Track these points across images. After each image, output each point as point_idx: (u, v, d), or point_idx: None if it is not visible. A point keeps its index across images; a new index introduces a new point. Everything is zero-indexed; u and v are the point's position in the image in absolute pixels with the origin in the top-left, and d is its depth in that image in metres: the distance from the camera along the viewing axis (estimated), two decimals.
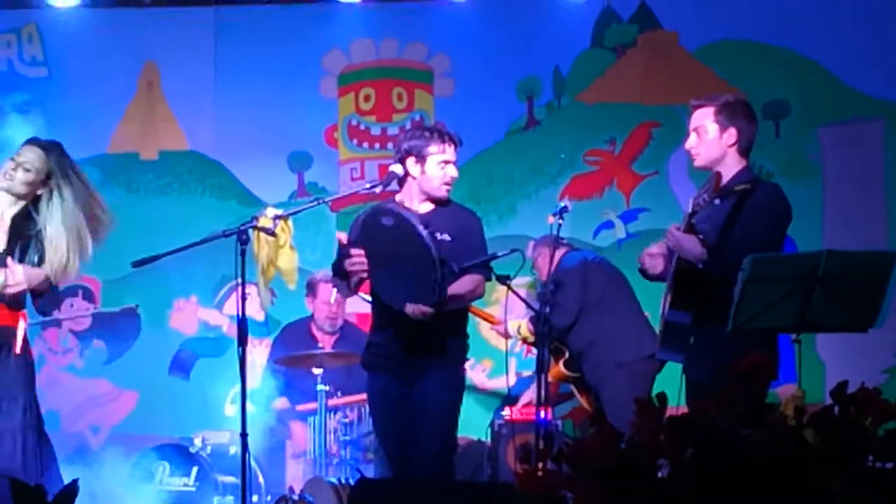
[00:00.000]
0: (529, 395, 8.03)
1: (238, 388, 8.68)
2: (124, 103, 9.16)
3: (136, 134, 9.14)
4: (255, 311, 8.84)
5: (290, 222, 5.75)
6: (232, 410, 8.85)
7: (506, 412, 8.06)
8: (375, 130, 9.05)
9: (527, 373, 8.53)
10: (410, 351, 5.77)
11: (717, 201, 5.25)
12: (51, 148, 5.92)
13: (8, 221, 5.81)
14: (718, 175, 5.26)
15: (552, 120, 8.95)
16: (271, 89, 8.95)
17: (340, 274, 5.82)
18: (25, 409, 5.73)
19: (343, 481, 6.59)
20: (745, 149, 5.55)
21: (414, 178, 5.93)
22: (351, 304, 8.22)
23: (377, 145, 9.05)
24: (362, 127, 9.06)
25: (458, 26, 8.97)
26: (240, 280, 5.66)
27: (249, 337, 8.70)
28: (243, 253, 5.67)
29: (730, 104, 5.56)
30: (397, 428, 5.84)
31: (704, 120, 5.54)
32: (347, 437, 7.69)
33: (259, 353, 8.84)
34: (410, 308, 5.54)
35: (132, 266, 6.05)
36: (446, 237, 5.81)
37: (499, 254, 5.85)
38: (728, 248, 5.24)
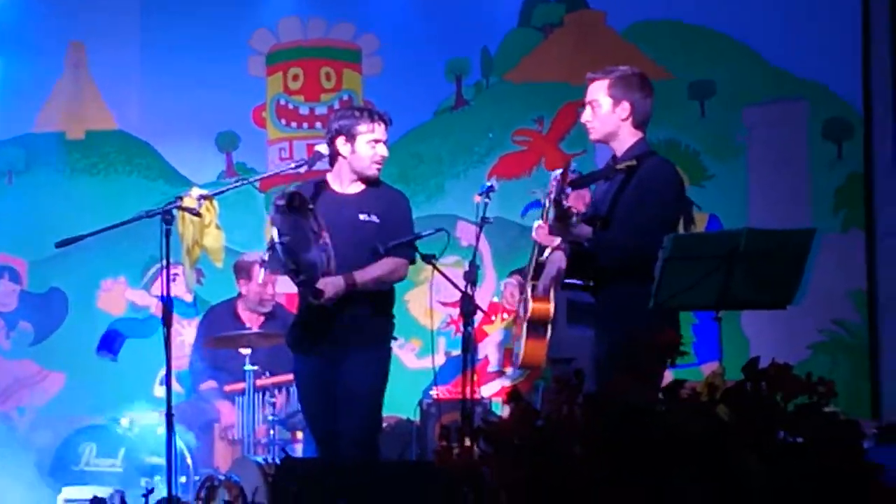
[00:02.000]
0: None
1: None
2: (51, 84, 9.08)
3: (63, 114, 9.07)
4: (183, 292, 8.83)
5: (215, 202, 5.75)
6: (160, 391, 8.81)
7: (434, 391, 8.09)
8: (304, 110, 9.04)
9: (455, 352, 8.57)
10: (335, 331, 5.79)
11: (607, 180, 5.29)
12: None
13: None
14: (566, 169, 5.27)
15: (480, 99, 8.97)
16: (198, 69, 8.90)
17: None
18: None
19: (269, 461, 6.60)
20: (640, 122, 5.50)
21: (344, 157, 5.96)
22: (281, 285, 8.21)
23: (305, 125, 9.03)
24: (290, 106, 9.04)
25: (386, 5, 8.97)
26: (165, 260, 5.64)
27: (178, 317, 8.81)
28: (167, 233, 5.68)
29: (624, 77, 5.51)
30: (322, 408, 5.87)
31: (598, 93, 5.51)
32: (275, 418, 7.68)
33: (188, 333, 8.82)
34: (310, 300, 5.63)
35: (56, 246, 6.01)
36: (374, 218, 5.84)
37: (423, 234, 5.88)
38: (614, 226, 5.25)
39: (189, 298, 8.86)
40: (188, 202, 5.66)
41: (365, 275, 5.78)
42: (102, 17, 9.02)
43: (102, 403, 8.64)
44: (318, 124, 8.94)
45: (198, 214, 5.68)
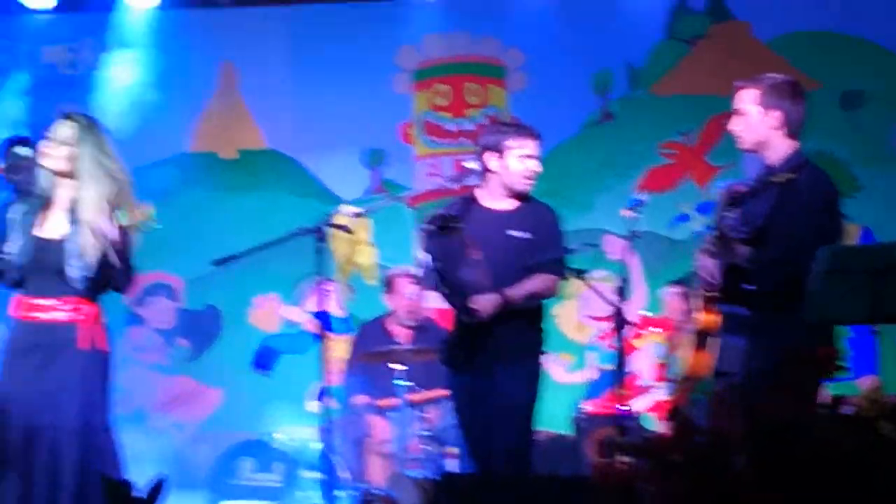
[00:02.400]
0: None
1: (319, 383, 8.86)
2: (203, 104, 9.28)
3: (216, 133, 9.27)
4: (335, 308, 8.97)
5: (367, 219, 5.81)
6: (314, 406, 8.94)
7: (587, 406, 8.09)
8: (450, 126, 9.11)
9: (606, 366, 8.56)
10: (487, 347, 5.82)
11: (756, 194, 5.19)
12: (80, 117, 5.91)
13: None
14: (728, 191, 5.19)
15: (626, 113, 8.97)
16: (346, 87, 9.03)
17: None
18: (84, 407, 5.69)
19: (425, 476, 6.65)
20: (793, 131, 5.35)
21: (494, 172, 5.99)
22: (431, 301, 8.27)
23: (452, 141, 9.11)
24: (437, 123, 9.12)
25: (530, 20, 9.00)
26: (318, 277, 5.73)
27: (331, 333, 8.93)
28: (322, 250, 5.75)
29: (775, 85, 5.36)
30: (477, 423, 5.90)
31: (748, 102, 5.36)
32: (428, 433, 7.74)
33: (341, 348, 8.93)
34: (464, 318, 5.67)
35: (213, 265, 6.08)
36: (525, 234, 5.86)
37: (573, 248, 5.89)
38: (774, 242, 5.16)
39: (342, 314, 8.97)
40: (340, 219, 5.75)
41: (518, 291, 5.80)
42: (253, 38, 9.21)
43: (258, 418, 8.79)
44: (465, 140, 9.02)
45: (349, 231, 5.75)
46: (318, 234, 5.73)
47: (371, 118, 9.03)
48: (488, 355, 5.83)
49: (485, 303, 5.72)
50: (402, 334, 8.27)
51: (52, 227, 5.74)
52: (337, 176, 9.14)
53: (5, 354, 5.74)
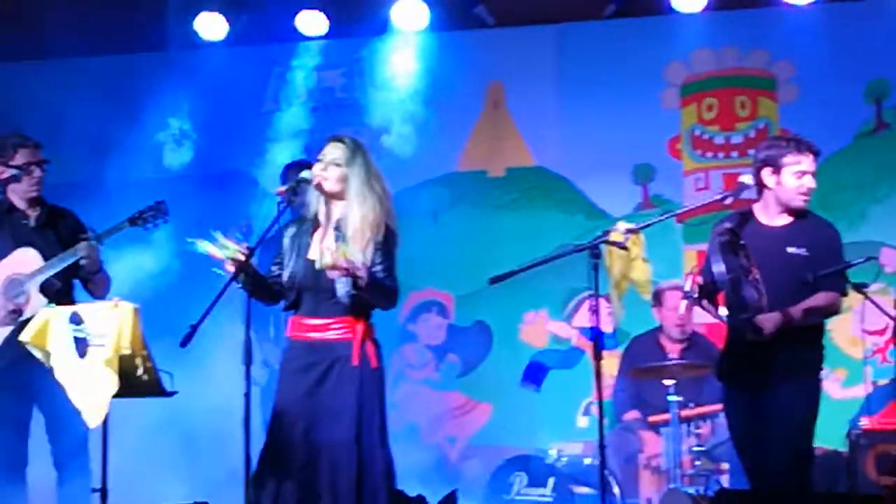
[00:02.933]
0: None
1: (589, 399, 8.88)
2: (471, 123, 9.40)
3: (484, 152, 9.38)
4: (603, 324, 8.95)
5: (641, 236, 5.81)
6: (584, 422, 8.95)
7: (864, 422, 7.89)
8: (719, 140, 9.02)
9: (883, 381, 8.35)
10: (767, 363, 5.76)
11: None
12: (348, 140, 6.06)
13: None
14: None
15: None
16: (614, 103, 9.03)
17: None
18: (360, 423, 5.81)
19: (700, 492, 6.60)
20: None
21: (770, 188, 5.94)
22: (699, 316, 8.20)
23: (721, 154, 9.02)
24: (706, 137, 9.04)
25: (800, 31, 8.84)
26: (594, 294, 5.75)
27: (601, 349, 8.93)
28: (596, 267, 5.78)
29: None
30: (754, 440, 5.84)
31: None
32: (700, 448, 7.68)
33: (608, 364, 8.92)
34: (750, 336, 5.60)
35: (489, 283, 6.16)
36: (802, 251, 5.79)
37: (853, 263, 5.78)
38: None
39: (610, 330, 8.96)
40: (615, 236, 5.75)
41: (800, 309, 5.74)
42: (519, 57, 9.30)
43: (527, 434, 8.86)
44: (734, 153, 8.94)
45: (625, 248, 5.75)
46: (594, 252, 5.74)
47: (639, 134, 9.00)
48: (768, 372, 5.77)
49: (768, 321, 5.67)
50: (672, 349, 8.24)
51: (321, 248, 5.92)
52: (605, 192, 9.14)
53: (281, 373, 5.95)
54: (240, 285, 5.73)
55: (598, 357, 5.76)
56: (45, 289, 6.61)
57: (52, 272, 6.62)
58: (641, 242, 5.81)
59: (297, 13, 9.33)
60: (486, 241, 9.26)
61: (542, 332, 9.19)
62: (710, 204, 6.15)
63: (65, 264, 6.61)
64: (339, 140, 6.01)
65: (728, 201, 6.07)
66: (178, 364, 5.86)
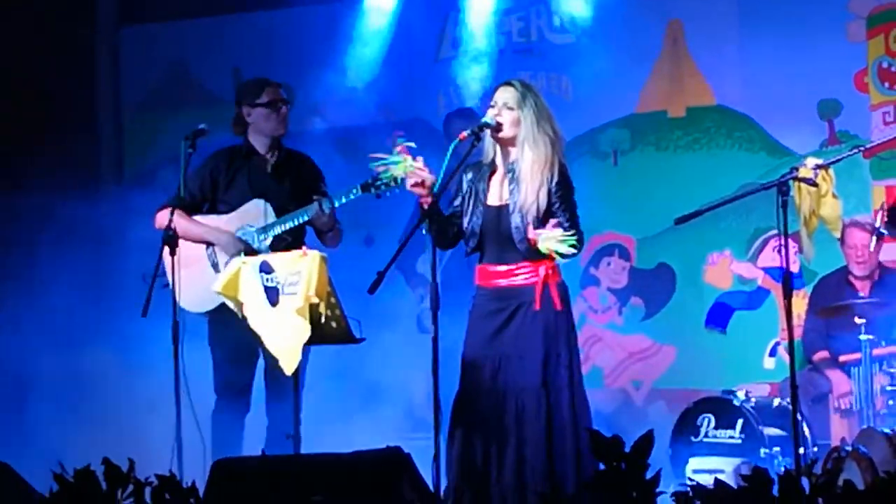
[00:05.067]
0: None
1: (775, 340, 8.76)
2: (650, 63, 9.27)
3: (664, 92, 9.23)
4: (791, 263, 8.79)
5: (831, 171, 5.69)
6: (770, 363, 8.85)
7: None
8: None
9: None
10: None
11: None
12: (519, 83, 6.03)
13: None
14: None
15: None
16: (796, 38, 8.77)
17: None
18: (546, 366, 5.82)
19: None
20: None
21: None
22: (886, 252, 8.03)
23: None
24: (893, 69, 8.77)
25: None
26: (783, 233, 5.65)
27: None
28: (785, 204, 5.67)
29: None
30: None
31: None
32: (893, 388, 7.52)
33: (796, 304, 8.77)
34: None
35: (675, 223, 6.11)
36: None
37: None
38: None
39: (795, 269, 8.81)
40: (804, 172, 5.64)
41: None
42: None
43: (713, 376, 8.77)
44: None
45: (815, 184, 5.64)
46: (783, 189, 5.63)
47: (824, 68, 8.74)
48: None
49: None
50: (861, 286, 8.07)
51: (499, 193, 5.93)
52: (789, 129, 8.91)
53: (470, 319, 5.99)
54: (425, 231, 5.76)
55: (787, 297, 5.63)
56: (275, 243, 6.70)
57: (283, 228, 6.72)
58: (831, 178, 5.69)
59: None
60: (666, 182, 9.14)
61: (727, 273, 9.05)
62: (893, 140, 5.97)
63: (295, 222, 6.70)
64: (510, 84, 6.03)
65: None
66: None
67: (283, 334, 5.73)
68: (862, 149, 6.05)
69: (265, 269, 5.87)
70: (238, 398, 6.83)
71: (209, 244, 6.87)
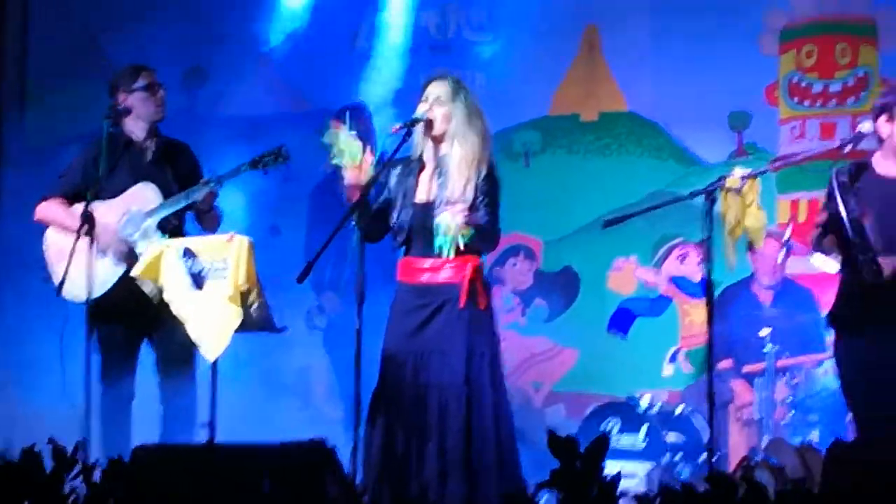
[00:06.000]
0: None
1: (675, 347, 8.86)
2: (565, 67, 9.32)
3: (578, 96, 9.28)
4: (692, 272, 8.92)
5: (757, 182, 5.75)
6: (670, 370, 8.94)
7: None
8: (817, 87, 8.87)
9: None
10: (881, 311, 5.70)
11: None
12: (450, 78, 6.04)
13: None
14: None
15: None
16: (710, 49, 8.88)
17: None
18: (469, 364, 5.81)
19: (804, 443, 6.57)
20: None
21: (884, 138, 5.87)
22: (795, 265, 8.14)
23: (819, 103, 8.87)
24: (804, 84, 8.91)
25: None
26: (706, 240, 5.70)
27: (687, 297, 8.90)
28: (710, 213, 5.73)
29: None
30: (868, 387, 5.78)
31: None
32: (792, 399, 7.64)
33: (698, 312, 8.88)
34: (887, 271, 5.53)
35: (603, 226, 6.11)
36: None
37: None
38: None
39: (699, 278, 8.91)
40: (731, 182, 5.69)
41: None
42: (616, 0, 9.18)
43: (612, 381, 8.84)
44: (832, 102, 8.81)
45: (741, 194, 5.69)
46: (710, 197, 5.69)
47: (736, 80, 8.85)
48: (884, 318, 5.71)
49: (888, 264, 5.60)
50: (765, 297, 8.18)
51: (428, 189, 5.92)
52: (699, 139, 9.02)
53: (391, 314, 5.96)
54: (353, 223, 5.72)
55: (709, 304, 5.68)
56: (162, 226, 6.62)
57: (170, 210, 6.63)
58: (757, 189, 5.75)
59: None
60: (576, 186, 9.20)
61: (631, 279, 9.12)
62: (828, 152, 6.05)
63: (184, 203, 6.62)
64: (441, 78, 6.02)
65: (847, 149, 5.97)
66: None
67: (209, 320, 5.65)
68: (789, 161, 6.11)
69: (188, 253, 5.80)
70: (122, 386, 6.75)
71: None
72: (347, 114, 6.14)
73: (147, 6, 9.62)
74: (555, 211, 9.12)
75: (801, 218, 8.59)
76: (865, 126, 5.85)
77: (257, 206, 9.11)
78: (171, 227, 6.66)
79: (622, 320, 9.09)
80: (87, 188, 6.78)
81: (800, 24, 8.91)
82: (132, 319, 6.62)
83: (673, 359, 8.93)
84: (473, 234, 5.70)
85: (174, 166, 6.89)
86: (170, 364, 6.64)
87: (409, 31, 9.49)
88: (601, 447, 3.24)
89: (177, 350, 6.50)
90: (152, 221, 6.61)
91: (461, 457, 5.58)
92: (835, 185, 5.74)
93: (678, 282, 8.93)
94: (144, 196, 6.69)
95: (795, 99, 8.92)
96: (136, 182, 6.75)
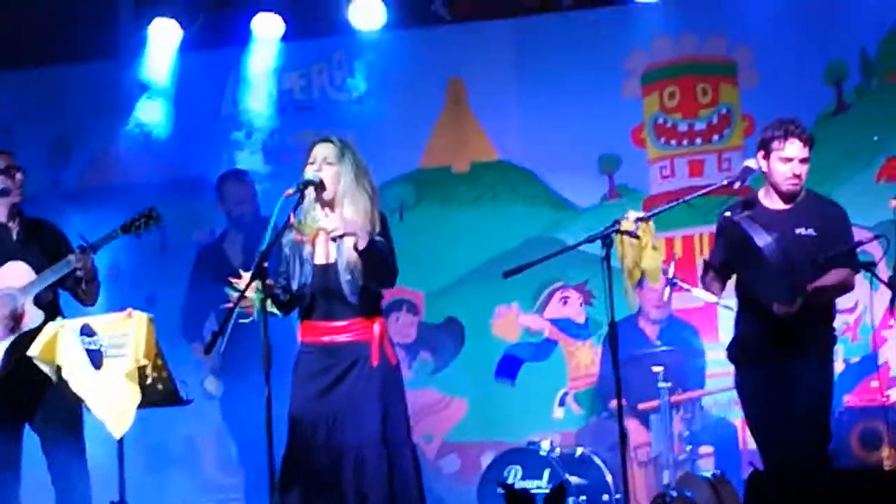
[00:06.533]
0: None
1: (564, 390, 8.93)
2: (433, 120, 9.39)
3: (448, 148, 9.35)
4: (576, 314, 9.02)
5: (651, 224, 5.85)
6: (560, 413, 9.01)
7: (846, 399, 8.01)
8: (682, 127, 9.07)
9: (854, 359, 8.47)
10: (781, 345, 5.83)
11: None
12: (336, 138, 6.06)
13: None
14: None
15: (862, 104, 8.81)
16: (576, 94, 9.03)
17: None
18: (385, 421, 5.81)
19: (715, 475, 6.66)
20: None
21: (764, 172, 6.04)
22: (677, 300, 8.27)
23: (685, 142, 9.06)
24: (669, 125, 9.09)
25: (757, 15, 8.84)
26: (608, 283, 5.76)
27: (571, 339, 8.99)
28: (608, 257, 5.80)
29: None
30: (774, 417, 5.91)
31: None
32: (690, 433, 7.76)
33: (583, 354, 8.99)
34: (777, 308, 5.65)
35: (504, 276, 6.20)
36: (810, 231, 5.86)
37: (863, 242, 5.87)
38: None
39: (581, 320, 9.02)
40: (626, 225, 5.78)
41: (818, 288, 5.81)
42: (478, 52, 9.27)
43: (504, 427, 8.88)
44: (698, 140, 9.01)
45: (636, 237, 5.78)
46: (606, 241, 5.77)
47: (602, 124, 9.01)
48: (786, 351, 5.85)
49: (782, 309, 5.73)
50: (652, 332, 8.31)
51: (325, 252, 5.90)
52: (570, 184, 9.14)
53: (295, 377, 5.91)
54: (272, 310, 5.63)
55: (613, 341, 5.75)
56: (38, 301, 6.51)
57: (45, 284, 6.53)
58: (651, 230, 5.86)
59: (253, 16, 9.24)
60: (452, 237, 9.26)
61: (514, 326, 9.18)
62: (717, 189, 6.18)
63: (59, 275, 6.53)
64: (327, 140, 6.02)
65: (736, 186, 6.11)
66: None
67: (110, 398, 5.56)
68: (679, 201, 6.21)
69: (87, 331, 5.70)
70: (7, 470, 6.60)
71: None
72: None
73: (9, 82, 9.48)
74: (433, 263, 9.15)
75: (679, 254, 8.75)
76: (751, 162, 6.00)
77: (134, 277, 9.03)
78: (47, 303, 6.55)
79: (509, 367, 9.15)
80: None
81: (661, 65, 9.11)
82: (12, 402, 6.48)
83: (562, 401, 9.01)
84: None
85: (40, 243, 6.79)
86: (55, 445, 6.52)
87: (274, 94, 9.48)
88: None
89: (63, 430, 6.39)
90: (29, 297, 6.50)
91: None
92: (738, 219, 5.86)
93: (562, 324, 9.02)
94: (16, 273, 6.58)
95: (662, 139, 9.10)
96: (3, 263, 6.64)
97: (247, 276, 5.58)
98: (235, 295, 5.55)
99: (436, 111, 9.41)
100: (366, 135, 9.07)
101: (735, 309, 6.28)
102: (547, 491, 7.58)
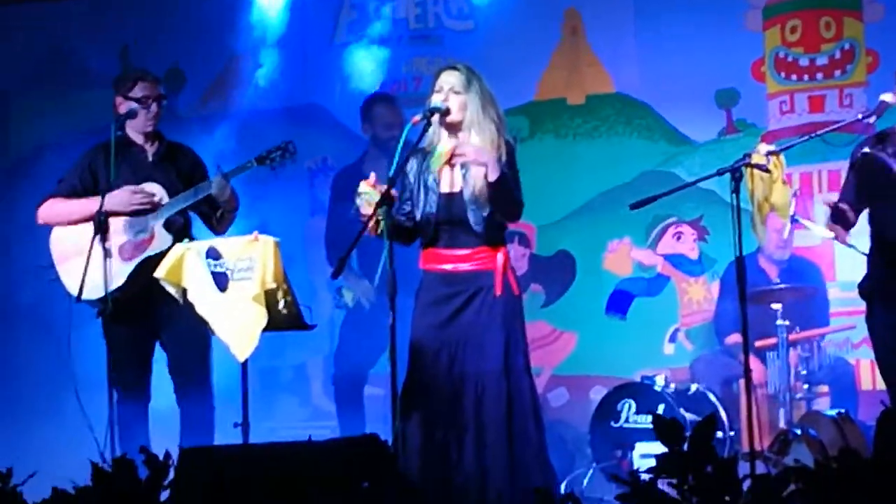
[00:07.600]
0: None
1: (675, 326, 8.85)
2: (549, 51, 9.28)
3: (563, 80, 9.24)
4: (689, 250, 8.92)
5: (782, 158, 5.74)
6: (670, 349, 8.94)
7: None
8: (803, 62, 8.88)
9: None
10: None
11: None
12: (463, 66, 5.99)
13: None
14: None
15: None
16: (695, 27, 8.87)
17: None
18: (506, 350, 5.78)
19: (840, 413, 6.58)
20: None
21: None
22: (799, 238, 8.16)
23: (806, 77, 8.88)
24: (790, 59, 8.91)
25: None
26: (736, 221, 5.64)
27: (684, 275, 8.90)
28: (737, 190, 5.69)
29: None
30: None
31: None
32: (807, 373, 7.67)
33: (696, 290, 8.90)
34: None
35: (630, 208, 6.06)
36: None
37: None
38: None
39: (695, 256, 8.92)
40: (757, 158, 5.67)
41: None
42: None
43: (613, 362, 8.83)
44: (819, 75, 8.82)
45: (767, 170, 5.68)
46: (736, 174, 5.66)
47: (721, 57, 8.84)
48: None
49: None
50: (772, 271, 8.20)
51: (450, 180, 5.85)
52: (687, 118, 9.00)
53: (417, 304, 5.88)
54: (379, 233, 5.59)
55: (741, 281, 5.64)
56: (168, 225, 6.55)
57: (178, 207, 6.57)
58: (782, 164, 5.74)
59: None
60: (566, 170, 9.17)
61: (626, 260, 9.09)
62: (850, 124, 6.04)
63: (192, 201, 6.55)
64: (454, 67, 5.96)
65: (871, 120, 5.96)
66: None
67: (236, 320, 5.57)
68: (811, 136, 6.08)
69: (212, 254, 5.72)
70: (138, 389, 6.68)
71: (102, 220, 6.57)
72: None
73: (117, 10, 9.52)
74: (546, 196, 9.04)
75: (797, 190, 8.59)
76: (887, 96, 5.85)
77: (245, 206, 9.04)
78: (177, 228, 6.58)
79: (620, 301, 9.08)
80: (84, 192, 6.70)
81: None
82: (142, 320, 6.55)
83: (673, 338, 8.93)
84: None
85: (177, 166, 6.83)
86: (183, 365, 6.58)
87: (389, 23, 9.42)
88: (709, 430, 3.21)
89: (189, 351, 6.45)
90: (159, 220, 6.54)
91: (505, 447, 5.54)
92: (876, 153, 5.73)
93: (675, 260, 8.93)
94: (150, 193, 6.63)
95: (782, 74, 8.92)
96: (139, 183, 6.66)
97: (373, 180, 5.57)
98: (364, 203, 5.53)
99: (551, 42, 9.29)
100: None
101: (860, 250, 6.16)
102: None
